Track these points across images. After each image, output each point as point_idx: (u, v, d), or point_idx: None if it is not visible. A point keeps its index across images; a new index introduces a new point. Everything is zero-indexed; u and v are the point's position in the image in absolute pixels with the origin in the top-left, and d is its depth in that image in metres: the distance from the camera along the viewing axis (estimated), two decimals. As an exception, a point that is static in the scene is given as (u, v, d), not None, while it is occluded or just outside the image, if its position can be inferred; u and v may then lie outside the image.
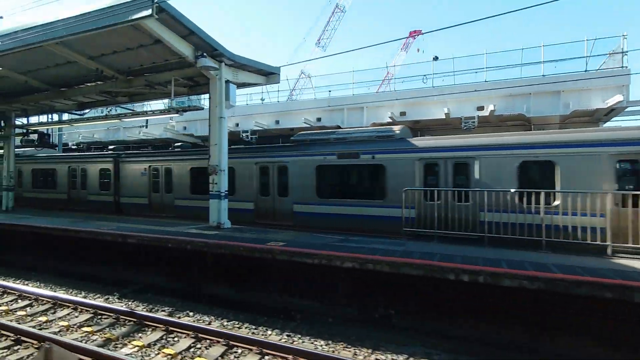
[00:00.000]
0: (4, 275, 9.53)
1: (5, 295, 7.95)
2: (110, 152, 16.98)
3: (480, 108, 19.21)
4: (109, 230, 9.40)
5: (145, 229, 9.83)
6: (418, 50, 47.08)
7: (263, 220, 12.03)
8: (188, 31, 8.80)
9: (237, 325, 6.34)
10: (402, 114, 20.67)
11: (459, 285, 5.46)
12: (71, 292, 8.22)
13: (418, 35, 44.95)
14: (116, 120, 13.49)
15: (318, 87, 25.41)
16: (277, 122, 24.12)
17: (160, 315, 6.75)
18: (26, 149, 18.13)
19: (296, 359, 4.81)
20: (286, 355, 4.88)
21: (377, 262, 5.94)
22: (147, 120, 23.43)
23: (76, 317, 6.79)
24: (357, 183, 11.36)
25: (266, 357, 5.03)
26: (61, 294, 8.04)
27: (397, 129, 11.48)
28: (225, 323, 6.46)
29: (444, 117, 19.20)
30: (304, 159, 11.51)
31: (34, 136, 16.27)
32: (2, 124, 14.94)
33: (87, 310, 6.95)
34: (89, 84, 12.47)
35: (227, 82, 10.07)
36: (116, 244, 8.93)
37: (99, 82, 12.24)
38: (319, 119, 22.82)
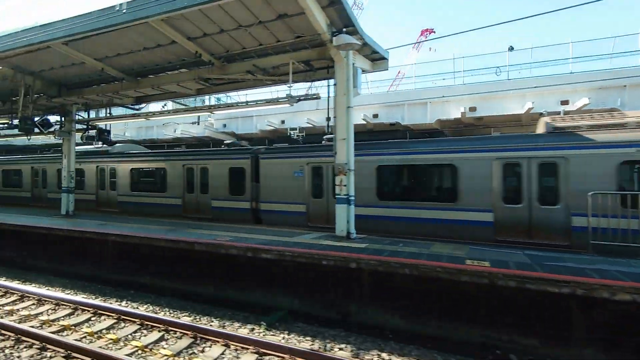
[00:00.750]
0: (109, 296, 8.03)
1: (143, 330, 6.42)
2: (243, 147, 14.07)
3: (565, 102, 17.59)
4: (233, 242, 7.85)
5: (265, 240, 8.31)
6: (430, 49, 46.11)
7: (510, 236, 8.76)
8: (329, 0, 7.28)
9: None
10: (472, 109, 19.10)
11: None
12: (197, 319, 6.69)
13: (430, 34, 43.96)
14: (206, 113, 11.91)
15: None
16: (329, 119, 22.62)
17: (342, 355, 5.23)
18: (115, 145, 16.51)
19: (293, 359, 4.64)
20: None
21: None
22: (198, 116, 22.17)
23: (237, 358, 5.27)
24: None
25: None
26: (186, 319, 6.54)
27: None
28: (444, 371, 4.93)
29: (523, 112, 17.61)
30: (597, 152, 8.14)
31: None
32: (62, 119, 13.50)
33: (246, 348, 5.43)
34: (169, 72, 11.00)
35: (353, 65, 8.54)
36: (243, 260, 7.41)
37: (182, 70, 10.78)
38: (375, 115, 21.31)
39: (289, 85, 8.72)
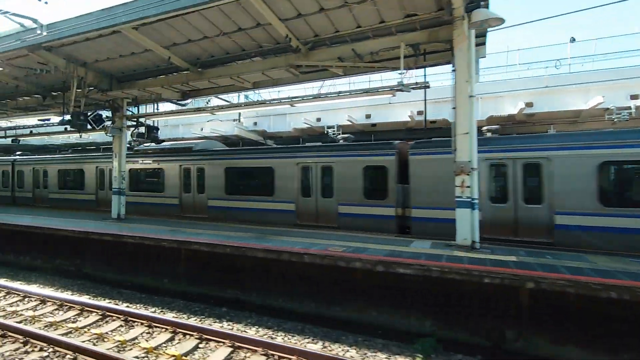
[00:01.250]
0: (204, 315, 6.98)
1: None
2: (380, 141, 11.75)
3: (635, 97, 16.37)
4: (355, 254, 6.74)
5: (385, 250, 7.20)
6: None
7: None
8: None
9: None
10: (529, 104, 17.88)
11: None
12: (328, 347, 5.60)
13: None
14: (286, 105, 10.72)
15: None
16: (369, 116, 21.56)
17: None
18: (199, 141, 15.11)
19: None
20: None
21: None
22: (239, 113, 21.13)
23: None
24: None
25: None
26: (312, 347, 5.46)
27: None
28: None
29: (588, 107, 16.41)
30: None
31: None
32: (112, 114, 12.46)
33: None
34: (239, 62, 9.90)
35: (470, 49, 7.42)
36: (362, 274, 6.31)
37: (255, 58, 9.68)
38: (420, 112, 20.15)
39: (400, 72, 7.60)
